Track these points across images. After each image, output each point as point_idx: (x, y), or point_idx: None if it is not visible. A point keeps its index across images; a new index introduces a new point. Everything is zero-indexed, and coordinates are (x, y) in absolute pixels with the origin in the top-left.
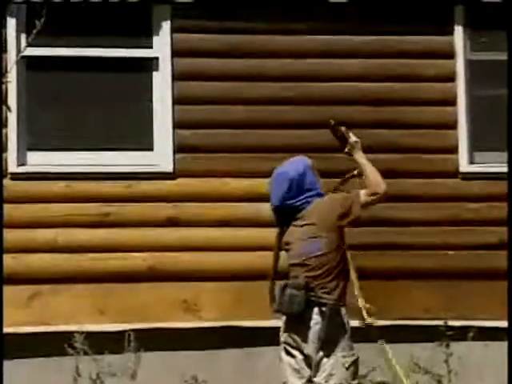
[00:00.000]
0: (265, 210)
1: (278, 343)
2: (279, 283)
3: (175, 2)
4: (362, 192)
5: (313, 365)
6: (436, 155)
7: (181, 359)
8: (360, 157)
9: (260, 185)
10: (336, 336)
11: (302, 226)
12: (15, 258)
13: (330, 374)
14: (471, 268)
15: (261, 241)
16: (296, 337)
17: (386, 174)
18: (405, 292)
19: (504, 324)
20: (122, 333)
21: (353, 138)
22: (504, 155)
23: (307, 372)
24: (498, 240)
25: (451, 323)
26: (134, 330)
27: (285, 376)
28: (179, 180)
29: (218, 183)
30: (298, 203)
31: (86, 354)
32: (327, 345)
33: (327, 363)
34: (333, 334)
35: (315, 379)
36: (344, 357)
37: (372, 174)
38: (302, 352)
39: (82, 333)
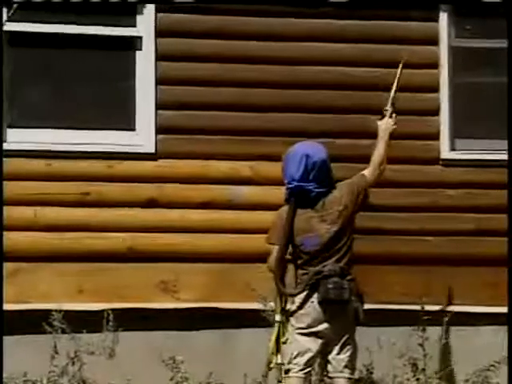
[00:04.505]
0: (245, 193)
1: (255, 325)
2: (307, 271)
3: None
4: (366, 172)
5: (337, 345)
6: (417, 141)
7: (159, 339)
8: (384, 130)
9: None
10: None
11: (322, 215)
12: None
13: (354, 353)
14: (448, 254)
15: (241, 223)
16: (334, 325)
17: (367, 159)
18: (382, 277)
19: (479, 309)
20: (100, 312)
21: (389, 122)
22: (486, 142)
23: (317, 357)
24: (476, 227)
25: (427, 308)
26: (112, 310)
27: (286, 356)
28: (161, 161)
29: (200, 165)
30: (316, 189)
31: (63, 332)
32: (355, 327)
33: (350, 343)
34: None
35: (340, 356)
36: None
37: (385, 151)
38: (322, 338)
39: (60, 311)
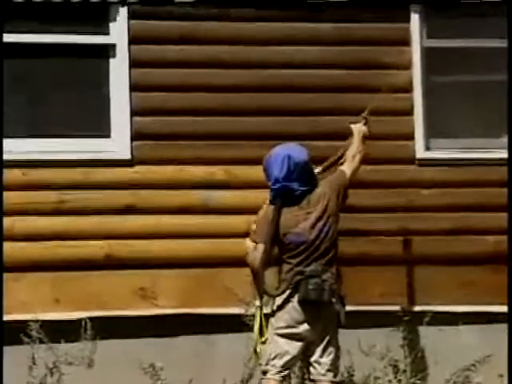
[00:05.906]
0: (221, 197)
1: (234, 330)
2: (293, 270)
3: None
4: (345, 168)
5: (319, 348)
6: (392, 142)
7: (138, 347)
8: (357, 132)
9: None
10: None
11: (307, 212)
12: None
13: (336, 355)
14: (426, 254)
15: (218, 228)
16: (315, 327)
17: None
18: (361, 278)
19: (458, 309)
20: (78, 321)
21: (362, 127)
22: (460, 141)
23: (296, 360)
24: (453, 226)
25: (407, 308)
26: (90, 318)
27: (265, 357)
28: (137, 167)
29: (175, 170)
30: (300, 188)
31: (41, 342)
32: (337, 330)
33: (332, 346)
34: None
35: (322, 359)
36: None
37: (358, 147)
38: (302, 341)
39: (38, 321)
